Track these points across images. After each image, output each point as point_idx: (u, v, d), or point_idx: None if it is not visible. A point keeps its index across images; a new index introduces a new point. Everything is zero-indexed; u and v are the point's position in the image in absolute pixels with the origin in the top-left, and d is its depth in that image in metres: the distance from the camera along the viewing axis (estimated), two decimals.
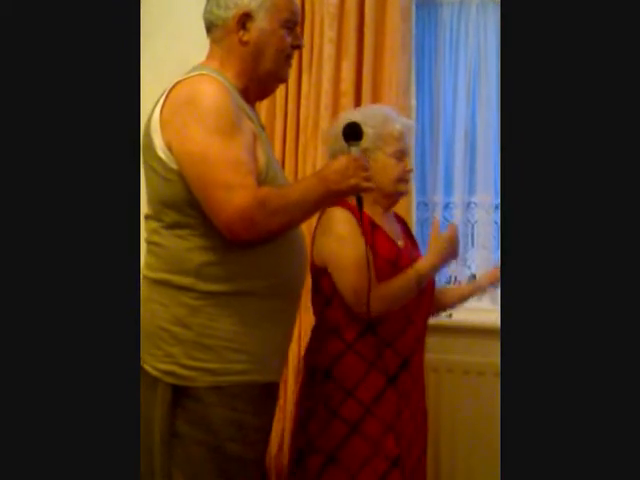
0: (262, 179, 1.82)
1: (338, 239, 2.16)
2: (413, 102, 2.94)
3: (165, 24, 3.21)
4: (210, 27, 1.96)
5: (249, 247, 1.82)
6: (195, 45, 3.19)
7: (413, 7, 2.94)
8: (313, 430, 2.15)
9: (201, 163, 1.76)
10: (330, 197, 1.88)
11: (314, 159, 2.94)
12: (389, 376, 2.16)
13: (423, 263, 2.17)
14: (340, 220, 2.17)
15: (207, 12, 1.96)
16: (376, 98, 2.91)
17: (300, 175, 2.92)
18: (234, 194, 1.74)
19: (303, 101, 2.97)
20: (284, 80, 2.04)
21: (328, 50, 2.91)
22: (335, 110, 2.92)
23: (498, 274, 2.34)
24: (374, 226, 2.22)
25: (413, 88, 2.94)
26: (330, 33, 2.91)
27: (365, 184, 1.86)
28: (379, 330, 2.16)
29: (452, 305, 2.48)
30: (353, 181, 1.84)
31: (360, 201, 1.95)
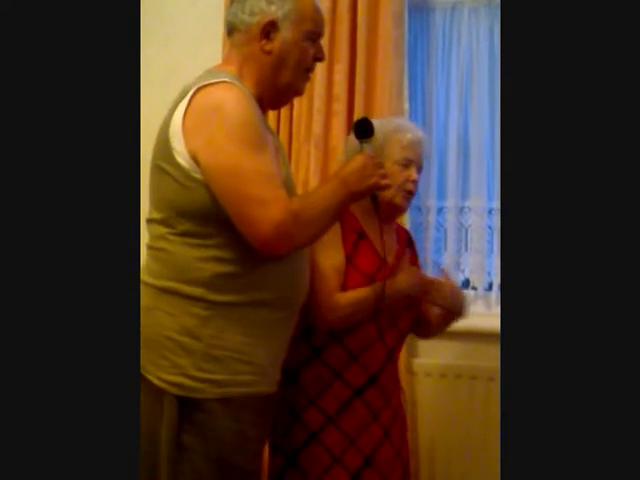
0: None
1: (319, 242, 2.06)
2: (406, 106, 2.93)
3: (156, 29, 3.21)
4: (232, 30, 1.91)
5: (263, 259, 1.78)
6: (186, 50, 3.22)
7: (405, 12, 2.93)
8: (278, 429, 2.12)
9: (233, 177, 1.72)
10: (352, 199, 1.85)
11: (307, 163, 2.94)
12: (354, 389, 2.12)
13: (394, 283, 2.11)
14: None
15: (231, 14, 1.91)
16: (369, 102, 2.91)
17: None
18: (269, 209, 1.70)
19: (296, 105, 2.96)
20: (300, 93, 1.98)
21: None
22: (328, 114, 2.92)
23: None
24: (362, 236, 2.18)
25: (406, 92, 2.93)
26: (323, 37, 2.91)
27: (383, 182, 1.85)
28: (346, 341, 2.11)
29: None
30: (372, 180, 1.82)
31: (376, 200, 1.94)
